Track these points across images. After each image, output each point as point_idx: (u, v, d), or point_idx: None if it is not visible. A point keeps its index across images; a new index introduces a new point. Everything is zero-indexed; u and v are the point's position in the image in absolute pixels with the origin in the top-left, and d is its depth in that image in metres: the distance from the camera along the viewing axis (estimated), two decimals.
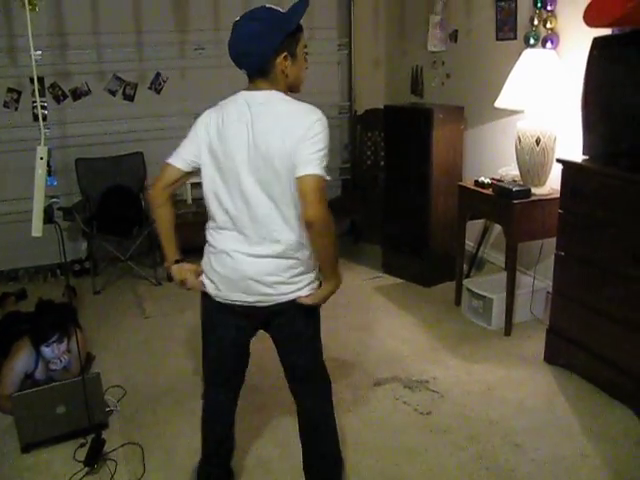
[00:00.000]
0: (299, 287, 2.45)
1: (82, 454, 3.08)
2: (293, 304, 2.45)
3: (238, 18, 2.32)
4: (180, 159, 2.47)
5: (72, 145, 5.55)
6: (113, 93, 5.70)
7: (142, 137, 5.74)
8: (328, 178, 2.27)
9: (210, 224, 2.54)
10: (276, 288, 2.41)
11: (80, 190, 5.51)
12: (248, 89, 2.37)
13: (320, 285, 2.54)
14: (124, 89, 5.72)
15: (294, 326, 2.55)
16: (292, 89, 2.43)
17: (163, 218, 2.64)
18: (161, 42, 5.66)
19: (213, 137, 2.37)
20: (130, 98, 5.76)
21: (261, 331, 2.62)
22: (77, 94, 5.57)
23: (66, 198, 5.46)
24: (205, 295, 2.58)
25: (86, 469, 2.99)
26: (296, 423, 2.77)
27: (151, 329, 4.56)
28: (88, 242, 5.48)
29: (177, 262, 2.66)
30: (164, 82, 5.82)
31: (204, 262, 2.60)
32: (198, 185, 5.89)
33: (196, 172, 2.49)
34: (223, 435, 2.79)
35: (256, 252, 2.38)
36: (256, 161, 2.28)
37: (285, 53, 2.30)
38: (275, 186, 2.29)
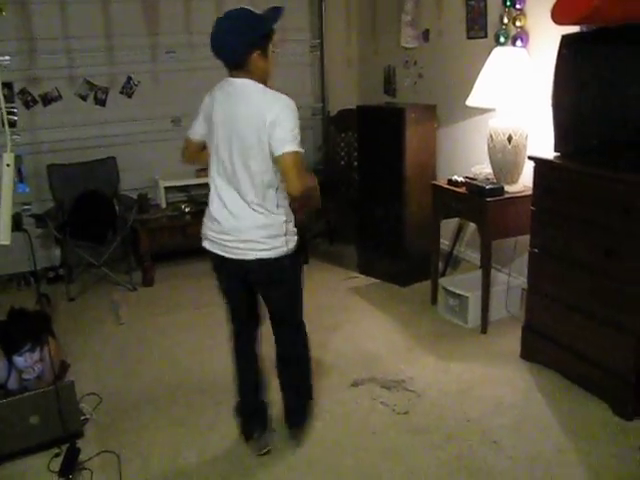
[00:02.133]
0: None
1: (57, 464, 3.04)
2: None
3: (222, 15, 2.70)
4: (193, 132, 2.97)
5: (44, 151, 5.51)
6: (84, 98, 5.64)
7: (114, 142, 5.71)
8: (302, 150, 2.68)
9: None
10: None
11: (52, 196, 5.46)
12: (230, 76, 2.77)
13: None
14: (95, 94, 5.66)
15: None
16: (263, 83, 2.76)
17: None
18: (132, 46, 5.64)
19: (207, 115, 2.85)
20: (102, 103, 5.70)
21: None
22: (47, 99, 5.51)
23: (38, 204, 5.43)
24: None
25: (61, 479, 2.96)
26: None
27: (127, 335, 4.52)
28: (61, 249, 5.43)
29: None
30: (135, 86, 5.77)
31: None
32: (172, 189, 5.89)
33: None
34: None
35: None
36: (230, 138, 2.73)
37: (259, 51, 2.68)
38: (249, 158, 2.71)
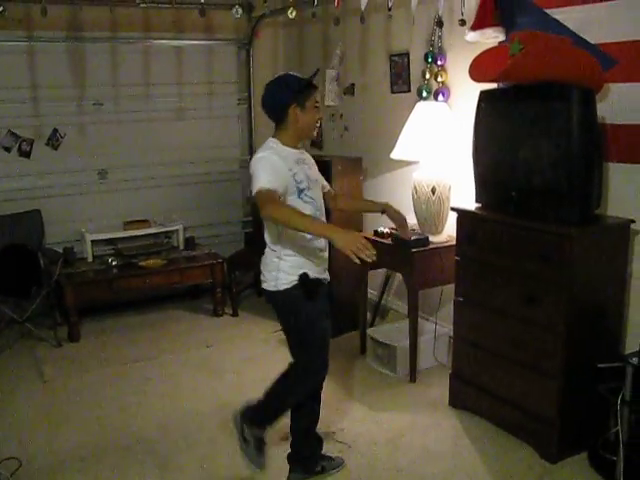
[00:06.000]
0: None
1: None
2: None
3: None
4: None
5: None
6: (8, 149, 5.54)
7: (39, 194, 5.61)
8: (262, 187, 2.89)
9: None
10: None
11: None
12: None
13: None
14: (19, 145, 5.57)
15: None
16: (302, 134, 3.14)
17: None
18: (58, 97, 5.59)
19: None
20: (26, 154, 5.61)
21: None
22: None
23: None
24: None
25: None
26: None
27: (51, 393, 4.38)
28: None
29: None
30: (62, 138, 5.70)
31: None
32: (100, 242, 5.77)
33: None
34: None
35: None
36: None
37: (294, 104, 2.98)
38: None
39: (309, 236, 2.97)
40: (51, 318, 5.37)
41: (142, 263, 5.56)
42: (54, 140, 5.69)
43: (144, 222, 5.94)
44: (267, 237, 3.10)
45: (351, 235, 2.68)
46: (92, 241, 5.70)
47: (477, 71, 3.51)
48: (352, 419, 3.88)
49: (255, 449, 3.19)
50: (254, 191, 2.92)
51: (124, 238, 5.87)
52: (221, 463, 3.49)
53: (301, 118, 3.02)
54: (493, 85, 3.73)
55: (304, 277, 3.02)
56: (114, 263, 5.54)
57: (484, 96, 3.66)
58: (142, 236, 5.92)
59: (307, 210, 2.99)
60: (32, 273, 5.19)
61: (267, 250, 3.11)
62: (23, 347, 5.19)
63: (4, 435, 3.80)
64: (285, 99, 2.99)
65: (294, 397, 3.23)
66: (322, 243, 3.08)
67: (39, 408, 4.17)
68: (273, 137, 3.09)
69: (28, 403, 4.24)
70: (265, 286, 3.12)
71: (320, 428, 3.72)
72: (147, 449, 3.62)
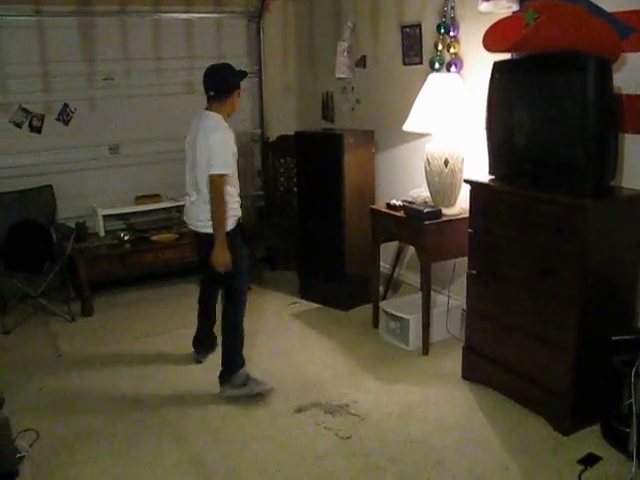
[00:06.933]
0: None
1: None
2: None
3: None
4: None
5: None
6: (19, 125, 5.53)
7: (51, 170, 5.60)
8: (223, 172, 3.67)
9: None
10: None
11: None
12: (206, 108, 3.82)
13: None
14: (30, 121, 5.56)
15: None
16: (230, 114, 3.85)
17: None
18: (68, 72, 5.57)
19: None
20: (37, 130, 5.60)
21: None
22: None
23: None
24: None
25: None
26: None
27: (65, 367, 4.41)
28: None
29: None
30: (73, 113, 5.69)
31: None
32: (111, 217, 5.77)
33: None
34: None
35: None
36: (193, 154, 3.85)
37: (238, 90, 3.83)
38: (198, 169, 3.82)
39: (236, 198, 3.85)
40: (64, 293, 5.40)
41: (154, 238, 5.58)
42: (65, 115, 5.68)
43: (156, 197, 5.95)
44: (206, 195, 3.74)
45: (226, 257, 3.69)
46: (104, 216, 5.71)
47: (491, 41, 3.46)
48: (365, 392, 3.89)
49: (254, 384, 3.87)
50: (215, 169, 3.64)
51: (136, 213, 5.89)
52: (235, 435, 3.51)
53: (235, 102, 3.83)
54: (507, 56, 3.69)
55: (239, 221, 3.87)
56: (126, 238, 5.56)
57: (498, 67, 3.62)
58: (154, 211, 5.94)
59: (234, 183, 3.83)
60: (45, 248, 5.21)
61: (205, 204, 3.75)
62: (37, 322, 5.22)
63: (22, 408, 3.81)
64: (235, 83, 3.80)
65: (241, 323, 3.96)
66: (236, 195, 3.86)
67: (55, 382, 4.20)
68: (216, 113, 3.75)
69: (44, 377, 4.27)
70: (206, 230, 3.78)
71: (334, 401, 3.77)
72: (162, 421, 3.65)
